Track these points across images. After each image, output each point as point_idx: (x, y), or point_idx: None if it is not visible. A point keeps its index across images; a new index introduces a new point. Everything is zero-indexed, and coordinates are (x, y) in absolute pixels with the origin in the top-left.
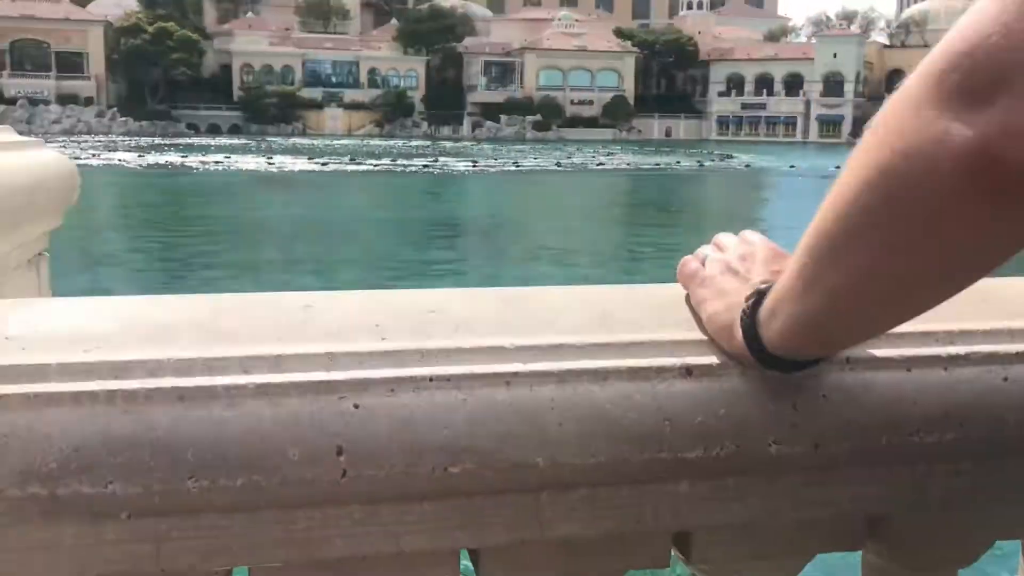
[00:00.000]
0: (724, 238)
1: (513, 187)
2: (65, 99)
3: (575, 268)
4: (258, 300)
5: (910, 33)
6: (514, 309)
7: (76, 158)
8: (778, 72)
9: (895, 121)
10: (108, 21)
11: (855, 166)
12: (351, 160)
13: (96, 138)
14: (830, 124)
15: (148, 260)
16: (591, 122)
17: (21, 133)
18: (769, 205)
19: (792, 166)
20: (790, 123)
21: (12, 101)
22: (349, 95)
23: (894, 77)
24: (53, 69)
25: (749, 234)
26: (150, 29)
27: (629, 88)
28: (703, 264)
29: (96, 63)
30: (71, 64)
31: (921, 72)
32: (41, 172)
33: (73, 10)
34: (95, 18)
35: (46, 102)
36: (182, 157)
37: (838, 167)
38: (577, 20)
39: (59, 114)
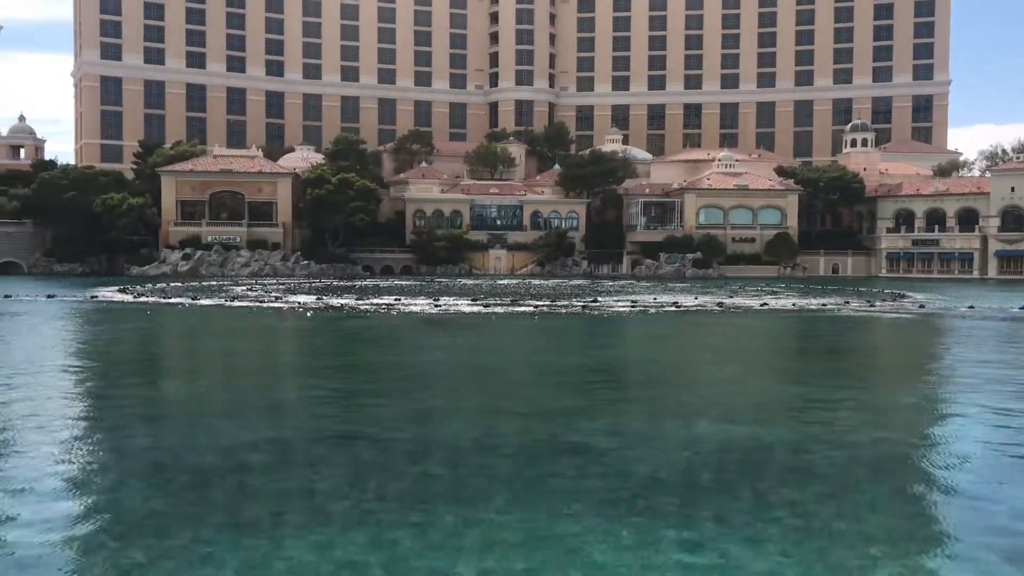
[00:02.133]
0: None
1: (674, 328)
2: (255, 244)
3: (737, 425)
4: None
5: None
6: None
7: (260, 300)
8: (950, 207)
9: None
10: (296, 173)
11: None
12: (512, 302)
13: (280, 280)
14: (1010, 260)
15: (316, 406)
16: (753, 259)
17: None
18: (949, 352)
19: (971, 306)
20: (966, 259)
21: (208, 247)
22: (513, 236)
23: None
24: (246, 217)
25: None
26: (334, 180)
27: (792, 225)
28: None
29: (284, 211)
30: (261, 212)
31: None
32: None
33: (266, 164)
34: (285, 171)
35: (237, 247)
36: (356, 300)
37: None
38: (737, 160)
39: (248, 258)
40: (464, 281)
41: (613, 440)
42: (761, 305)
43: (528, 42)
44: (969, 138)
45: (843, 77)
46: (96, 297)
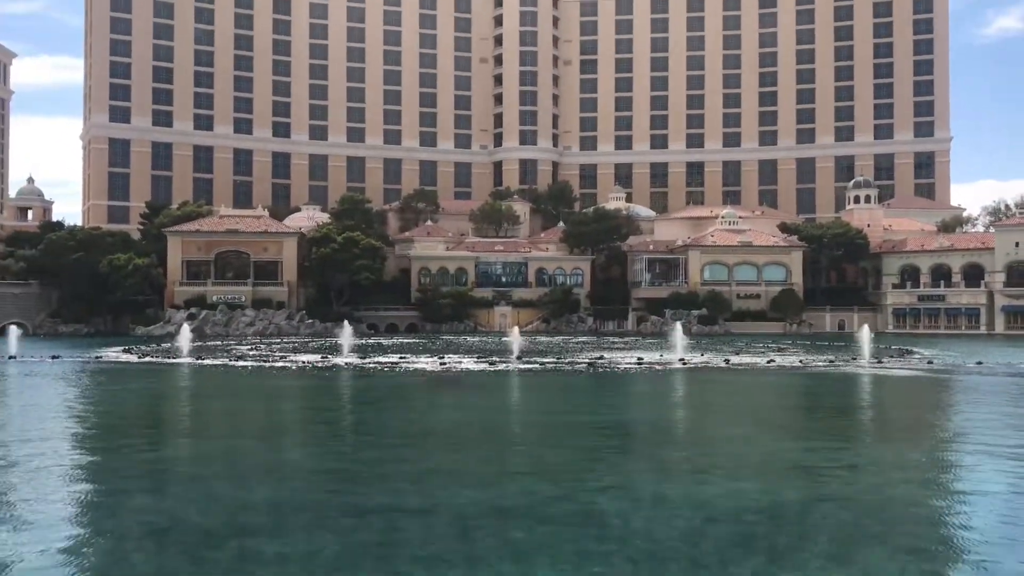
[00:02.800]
0: None
1: (680, 386)
2: (260, 303)
3: (744, 484)
4: None
5: None
6: None
7: (264, 359)
8: (955, 263)
9: None
10: (302, 232)
11: None
12: (518, 359)
13: (284, 339)
14: (1017, 315)
15: (320, 468)
16: (759, 316)
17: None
18: (958, 410)
19: (979, 362)
20: (972, 315)
21: (213, 307)
22: (518, 293)
23: None
24: (251, 276)
25: None
26: (339, 238)
27: (797, 281)
28: None
29: (289, 270)
30: (267, 272)
31: None
32: None
33: (272, 224)
34: (290, 230)
35: (242, 306)
36: (360, 359)
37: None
38: (741, 217)
39: (253, 317)
40: (469, 338)
41: (621, 502)
42: (768, 362)
43: (532, 103)
44: (972, 194)
45: (845, 134)
46: (101, 358)
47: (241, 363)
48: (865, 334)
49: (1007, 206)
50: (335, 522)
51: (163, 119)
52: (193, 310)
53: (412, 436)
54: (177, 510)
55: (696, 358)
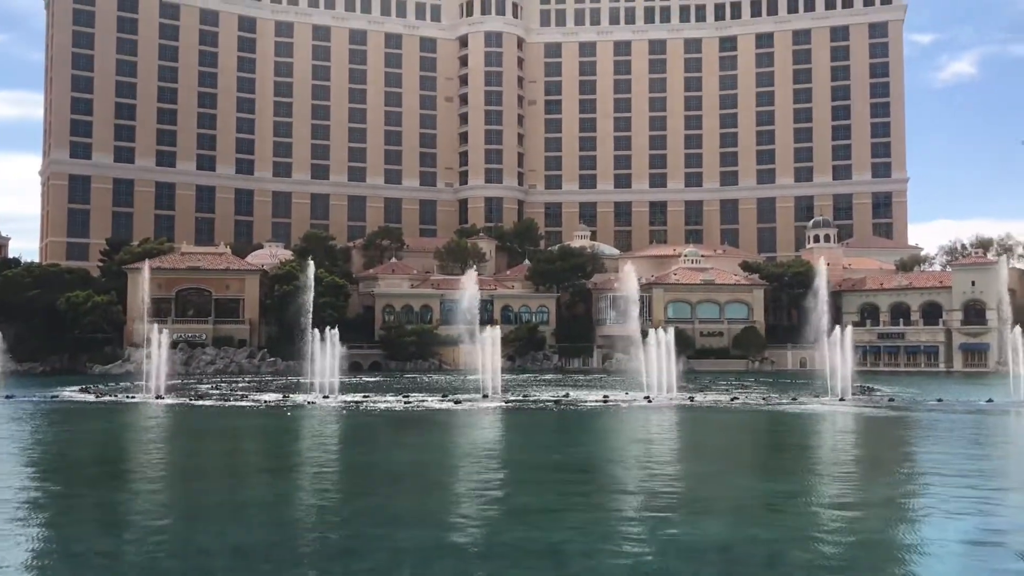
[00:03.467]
0: None
1: (644, 424)
2: (221, 341)
3: (708, 522)
4: None
5: None
6: None
7: (225, 398)
8: (914, 301)
9: None
10: (264, 270)
11: None
12: (484, 397)
13: (246, 378)
14: (975, 352)
15: (280, 509)
16: (722, 353)
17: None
18: (919, 448)
19: (939, 399)
20: (931, 352)
21: (174, 345)
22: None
23: None
24: (212, 314)
25: None
26: (302, 276)
27: (759, 319)
28: None
29: (251, 308)
30: (228, 310)
31: None
32: None
33: (234, 261)
34: (253, 267)
35: (203, 344)
36: (323, 397)
37: (991, 400)
38: (703, 255)
39: (214, 356)
40: (434, 376)
41: (584, 541)
42: (731, 400)
43: (497, 142)
44: (929, 233)
45: (804, 175)
46: (57, 397)
47: (201, 402)
48: (828, 371)
49: (963, 245)
50: (295, 565)
51: (125, 155)
52: (151, 348)
53: (375, 476)
54: (135, 554)
55: (661, 396)
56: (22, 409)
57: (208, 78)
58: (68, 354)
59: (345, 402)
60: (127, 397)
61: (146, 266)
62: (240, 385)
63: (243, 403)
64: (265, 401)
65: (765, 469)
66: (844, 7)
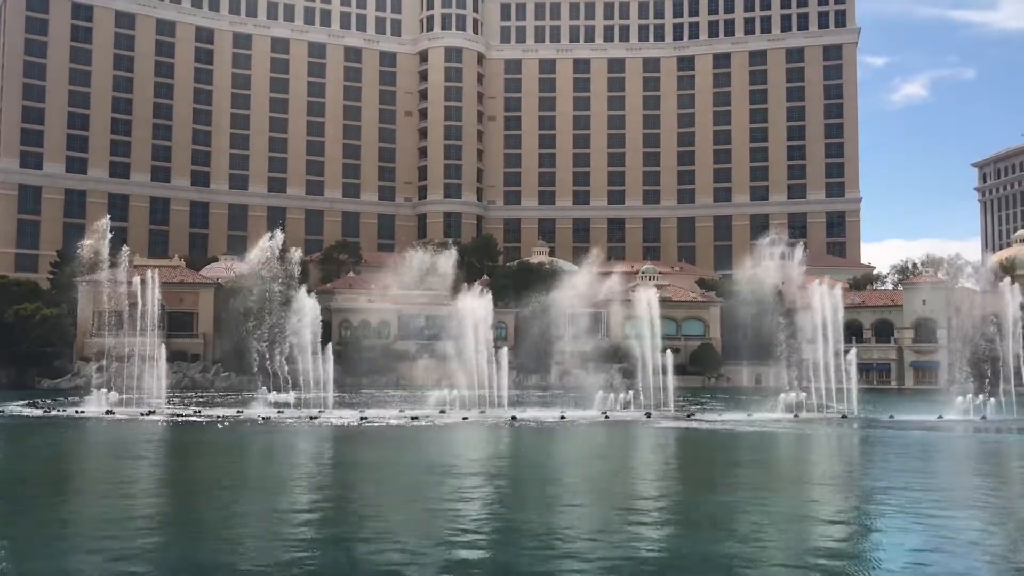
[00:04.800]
0: None
1: (601, 439)
2: (174, 355)
3: (661, 533)
4: None
5: (1001, 278)
6: None
7: (178, 415)
8: (867, 319)
9: None
10: (219, 283)
11: None
12: (440, 412)
13: (200, 393)
14: (925, 370)
15: (230, 528)
16: (679, 369)
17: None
18: (875, 464)
19: (891, 416)
20: (883, 369)
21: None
22: (441, 347)
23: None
24: (165, 328)
25: None
26: (255, 290)
27: (715, 336)
28: None
29: (205, 321)
30: (182, 323)
31: None
32: None
33: (188, 274)
34: (207, 281)
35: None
36: (278, 412)
37: (941, 417)
38: (660, 272)
39: (166, 370)
40: (390, 392)
41: (545, 561)
42: (688, 416)
43: (456, 157)
44: (881, 252)
45: (760, 194)
46: (3, 412)
47: (153, 417)
48: (783, 396)
49: (914, 264)
50: None
51: (77, 166)
52: (103, 362)
53: (329, 495)
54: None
55: (617, 414)
56: None
57: (164, 89)
58: (16, 368)
59: (300, 417)
60: (76, 412)
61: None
62: (193, 400)
63: (194, 419)
64: (219, 416)
65: (716, 484)
66: (799, 29)
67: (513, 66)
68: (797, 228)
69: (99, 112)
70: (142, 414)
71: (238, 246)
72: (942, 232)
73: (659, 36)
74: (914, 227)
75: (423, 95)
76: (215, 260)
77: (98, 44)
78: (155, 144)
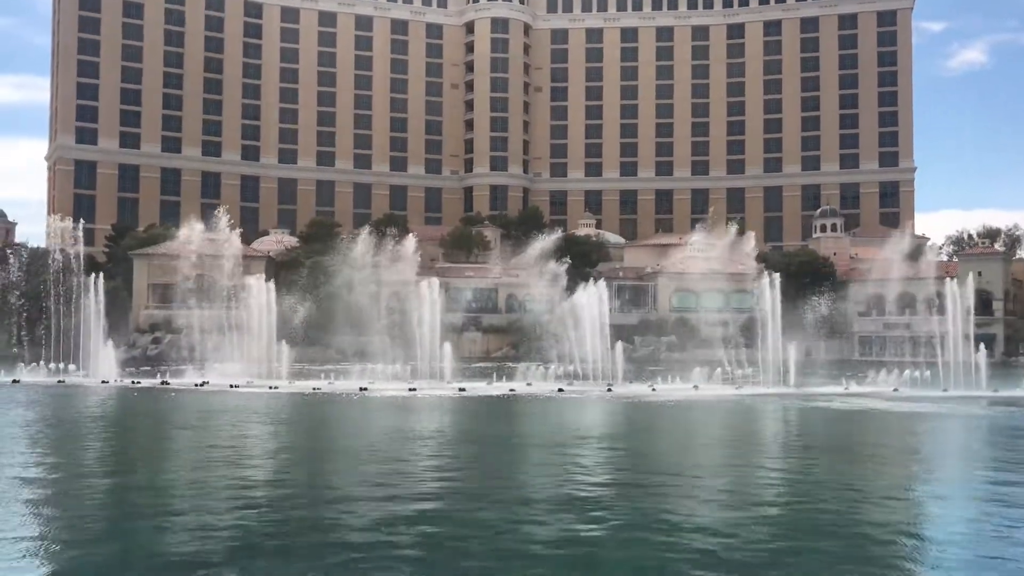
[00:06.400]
0: None
1: (647, 415)
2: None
3: (722, 512)
4: None
5: None
6: None
7: (235, 385)
8: (920, 291)
9: None
10: (270, 256)
11: None
12: (488, 383)
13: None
14: (979, 342)
15: (279, 497)
16: (727, 343)
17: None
18: (925, 446)
19: (945, 390)
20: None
21: (179, 331)
22: (487, 319)
23: None
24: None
25: None
26: (307, 263)
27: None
28: None
29: None
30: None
31: None
32: None
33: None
34: (258, 254)
35: (208, 331)
36: (328, 383)
37: (996, 390)
38: (709, 244)
39: (219, 342)
40: (440, 364)
41: (600, 530)
42: (737, 389)
43: (503, 129)
44: (936, 223)
45: (811, 164)
46: (63, 382)
47: (208, 387)
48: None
49: (970, 236)
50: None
51: (131, 141)
52: (159, 334)
53: (381, 463)
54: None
55: (666, 386)
56: (30, 394)
57: (214, 64)
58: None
59: (349, 389)
60: (134, 381)
61: None
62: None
63: (249, 389)
64: (273, 386)
65: (783, 462)
66: None
67: (560, 36)
68: (849, 198)
69: (151, 87)
70: (196, 384)
71: (288, 220)
72: (999, 202)
73: (708, 4)
74: (970, 197)
75: (469, 67)
76: (266, 234)
77: (149, 20)
78: (206, 119)
